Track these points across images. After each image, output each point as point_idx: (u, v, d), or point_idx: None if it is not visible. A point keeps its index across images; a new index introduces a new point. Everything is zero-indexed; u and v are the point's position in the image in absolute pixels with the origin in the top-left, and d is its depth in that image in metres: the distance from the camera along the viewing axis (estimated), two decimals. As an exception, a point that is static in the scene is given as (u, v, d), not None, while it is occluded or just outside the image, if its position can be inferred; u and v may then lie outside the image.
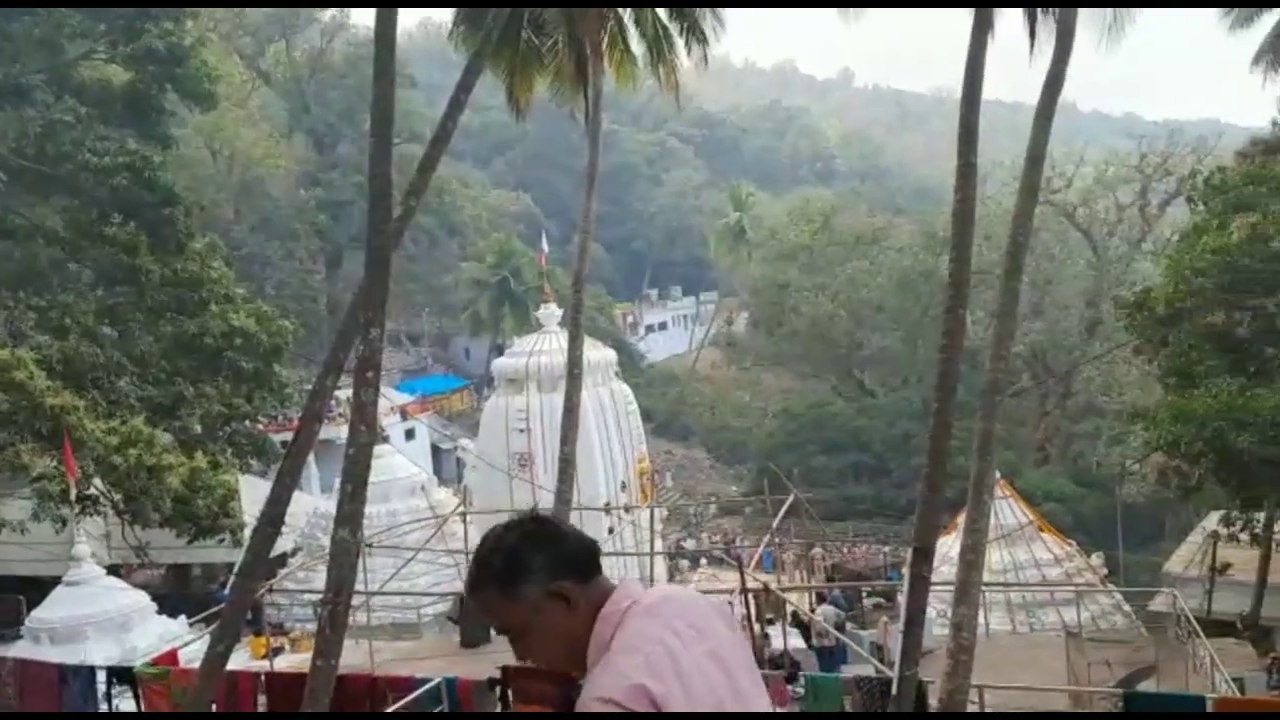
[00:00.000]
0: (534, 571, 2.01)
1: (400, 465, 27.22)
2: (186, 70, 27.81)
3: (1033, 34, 13.81)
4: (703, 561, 32.03)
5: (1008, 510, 22.57)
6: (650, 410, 47.13)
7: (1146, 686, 15.07)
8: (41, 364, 21.54)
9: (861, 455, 47.45)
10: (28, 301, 24.81)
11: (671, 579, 28.33)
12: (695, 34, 18.25)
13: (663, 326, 79.31)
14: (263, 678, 13.37)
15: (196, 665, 12.11)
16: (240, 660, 16.42)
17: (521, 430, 26.11)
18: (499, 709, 11.58)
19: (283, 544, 21.73)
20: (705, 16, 18.21)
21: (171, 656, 14.65)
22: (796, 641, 19.83)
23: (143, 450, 21.32)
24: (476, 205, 67.10)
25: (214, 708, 12.09)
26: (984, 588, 14.14)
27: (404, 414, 43.91)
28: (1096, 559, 24.90)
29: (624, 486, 26.60)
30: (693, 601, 2.10)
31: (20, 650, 15.94)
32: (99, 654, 15.42)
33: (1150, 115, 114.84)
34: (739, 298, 71.18)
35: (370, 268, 10.60)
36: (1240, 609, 22.26)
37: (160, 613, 17.79)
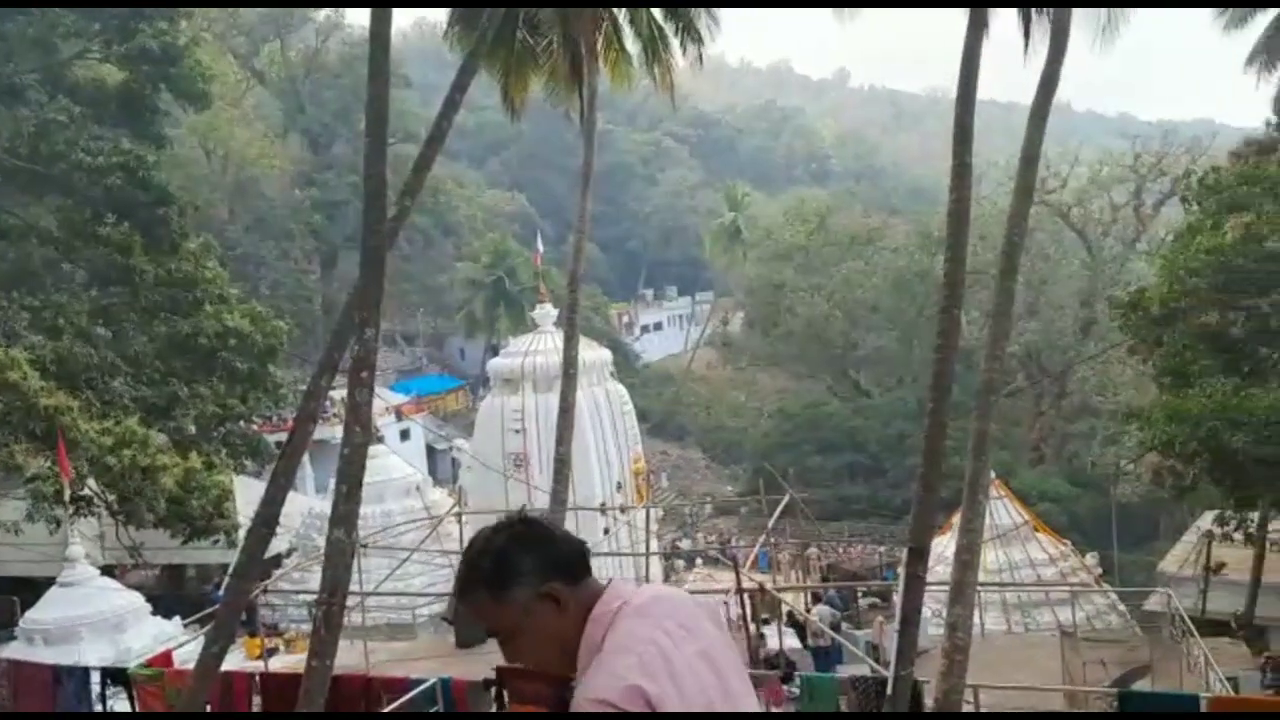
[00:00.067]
0: (524, 573, 2.00)
1: (395, 466, 27.21)
2: (181, 70, 27.73)
3: (1027, 34, 13.84)
4: (698, 562, 32.04)
5: (1003, 510, 22.59)
6: (645, 410, 47.13)
7: (1141, 686, 15.11)
8: (35, 364, 21.48)
9: (857, 455, 47.50)
10: (21, 301, 24.74)
11: (667, 579, 28.33)
12: (690, 34, 18.26)
13: (658, 326, 79.31)
14: (257, 679, 13.36)
15: (191, 666, 12.09)
16: (235, 661, 16.37)
17: (517, 430, 26.11)
18: (494, 709, 11.58)
19: (277, 544, 21.70)
20: (700, 16, 18.22)
21: (166, 657, 14.62)
22: (792, 641, 19.83)
23: (137, 451, 21.27)
24: (471, 205, 67.03)
25: (208, 709, 12.07)
26: (979, 587, 14.18)
27: (399, 414, 43.87)
28: (1091, 559, 24.94)
29: (619, 487, 26.61)
30: (682, 601, 2.10)
31: (14, 651, 15.90)
32: (93, 655, 15.39)
33: (1145, 115, 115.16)
34: (734, 298, 71.19)
35: (365, 268, 10.59)
36: (1235, 608, 22.30)
37: (155, 614, 17.77)
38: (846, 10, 15.05)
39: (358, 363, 10.35)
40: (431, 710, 12.03)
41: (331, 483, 12.32)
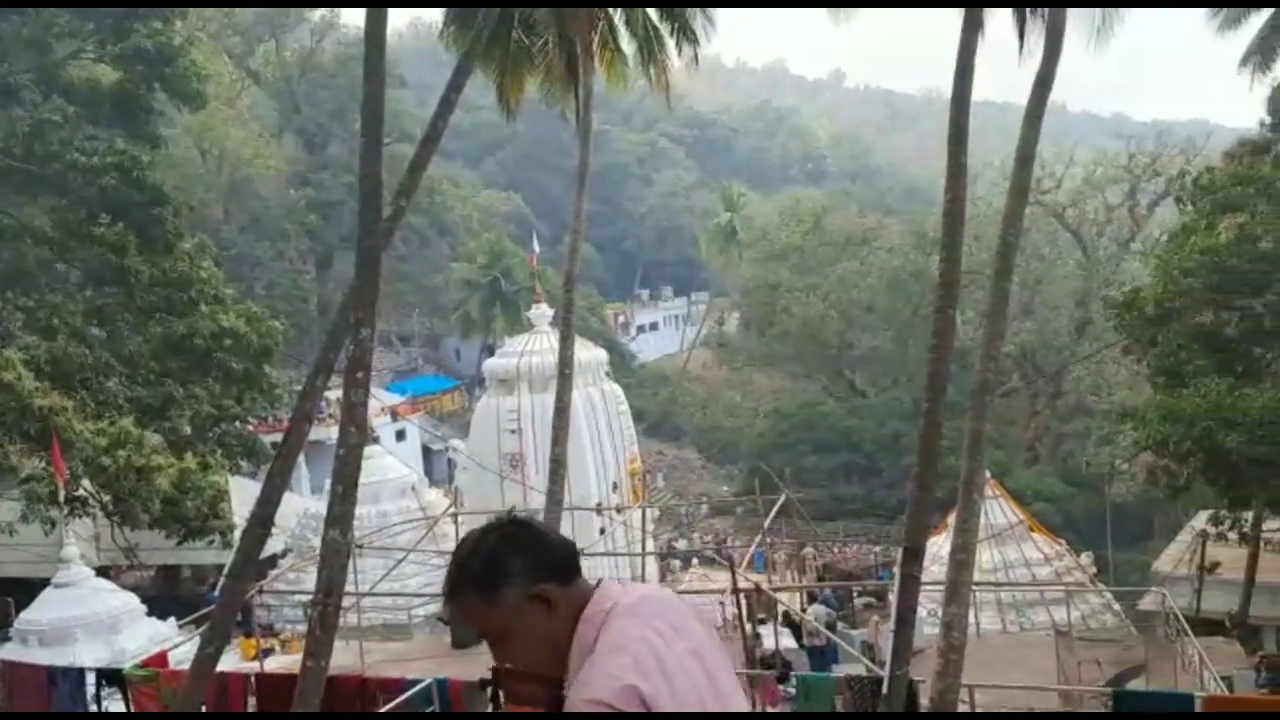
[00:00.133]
0: (514, 575, 2.00)
1: (391, 466, 27.20)
2: (175, 70, 27.70)
3: (1022, 34, 13.86)
4: (694, 562, 32.02)
5: (998, 510, 22.63)
6: (641, 411, 47.11)
7: (1136, 685, 15.13)
8: (30, 365, 21.44)
9: (852, 455, 47.52)
10: (15, 302, 24.69)
11: (663, 579, 28.34)
12: (686, 34, 18.27)
13: (654, 327, 79.33)
14: (253, 679, 13.35)
15: (186, 667, 12.08)
16: (230, 662, 16.35)
17: (513, 431, 26.10)
18: (490, 710, 11.57)
19: (273, 545, 21.69)
20: (696, 16, 18.23)
21: (161, 658, 14.60)
22: (788, 641, 19.84)
23: (132, 451, 21.23)
24: (467, 205, 67.00)
25: (204, 709, 12.06)
26: (974, 587, 14.21)
27: (394, 415, 43.84)
28: (1086, 558, 24.98)
29: (615, 487, 26.61)
30: (670, 601, 2.11)
31: (9, 652, 15.88)
32: (88, 656, 15.37)
33: (1139, 116, 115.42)
34: (730, 298, 71.21)
35: (360, 268, 10.58)
36: (1229, 608, 22.35)
37: (150, 614, 17.76)
38: (842, 10, 15.08)
39: (353, 363, 10.34)
40: (427, 711, 12.03)
41: (327, 483, 12.29)
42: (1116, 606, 21.96)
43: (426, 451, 48.42)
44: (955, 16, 12.01)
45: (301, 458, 25.72)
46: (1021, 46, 13.78)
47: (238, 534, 17.36)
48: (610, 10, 18.20)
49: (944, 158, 11.89)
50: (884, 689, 10.79)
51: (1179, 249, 21.32)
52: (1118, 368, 37.75)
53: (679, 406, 63.16)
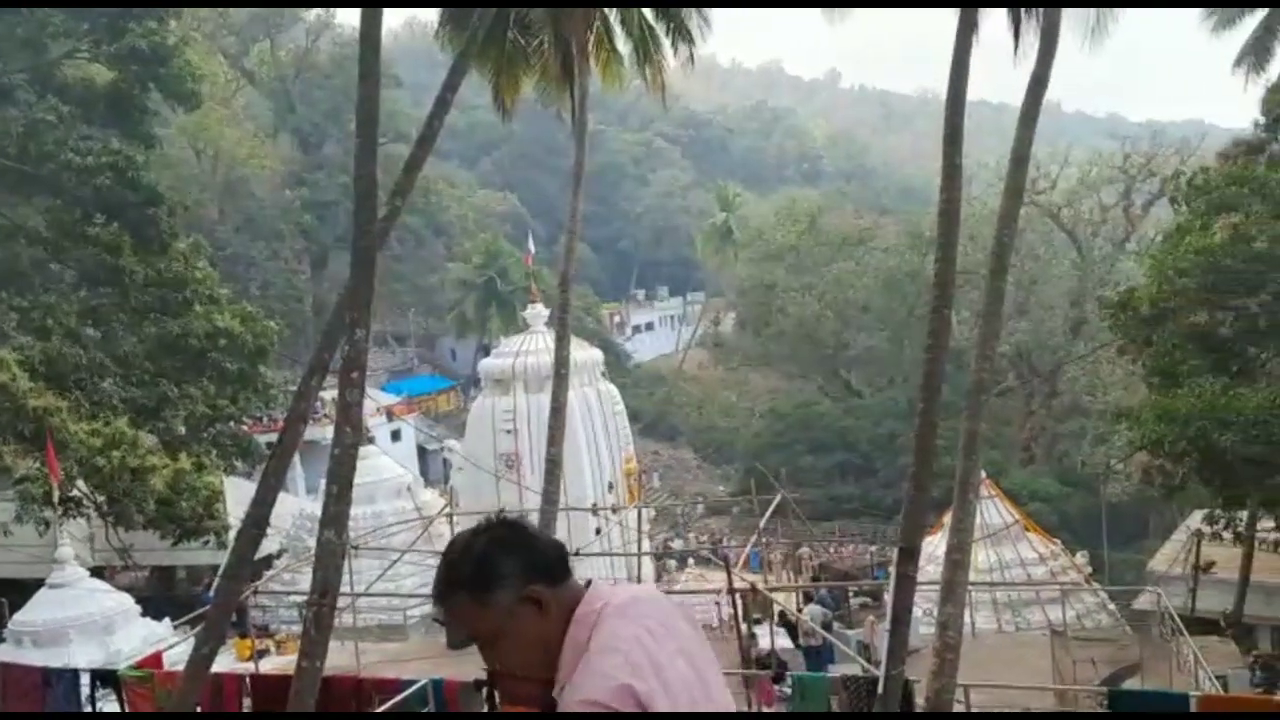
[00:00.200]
0: (505, 576, 1.99)
1: (386, 466, 27.14)
2: (170, 70, 27.64)
3: (1017, 35, 13.87)
4: (690, 561, 32.03)
5: (993, 509, 22.64)
6: (637, 410, 47.09)
7: (1131, 685, 15.15)
8: (24, 365, 21.39)
9: (848, 455, 47.54)
10: (10, 302, 24.64)
11: (659, 579, 28.34)
12: (681, 34, 18.26)
13: (649, 327, 79.34)
14: (248, 680, 13.32)
15: (181, 668, 12.05)
16: (225, 663, 16.35)
17: (508, 431, 26.08)
18: (485, 710, 11.56)
19: (268, 545, 21.62)
20: (691, 16, 18.22)
21: (156, 659, 14.56)
22: (783, 641, 19.85)
23: (126, 452, 21.20)
24: (463, 205, 66.97)
25: (199, 710, 12.03)
26: (970, 587, 14.20)
27: (390, 415, 43.77)
28: (1081, 558, 25.01)
29: (611, 487, 26.60)
30: (659, 601, 2.11)
31: (2, 654, 15.82)
32: (82, 657, 15.33)
33: (1134, 116, 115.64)
34: (726, 298, 71.26)
35: (356, 268, 10.57)
36: (1224, 607, 22.39)
37: (144, 615, 17.69)
38: (837, 10, 15.10)
39: (348, 363, 10.33)
40: (423, 711, 12.01)
41: (322, 483, 12.27)
42: (1111, 606, 21.99)
43: (422, 452, 48.37)
44: (951, 17, 12.04)
45: (296, 458, 25.73)
46: (1016, 47, 13.79)
47: (232, 534, 17.32)
48: (606, 10, 18.20)
49: (939, 158, 11.91)
50: (879, 689, 10.80)
51: (1174, 249, 21.36)
52: (1113, 368, 37.82)
53: (675, 406, 63.18)
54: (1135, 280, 28.17)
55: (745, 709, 14.04)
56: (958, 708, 11.44)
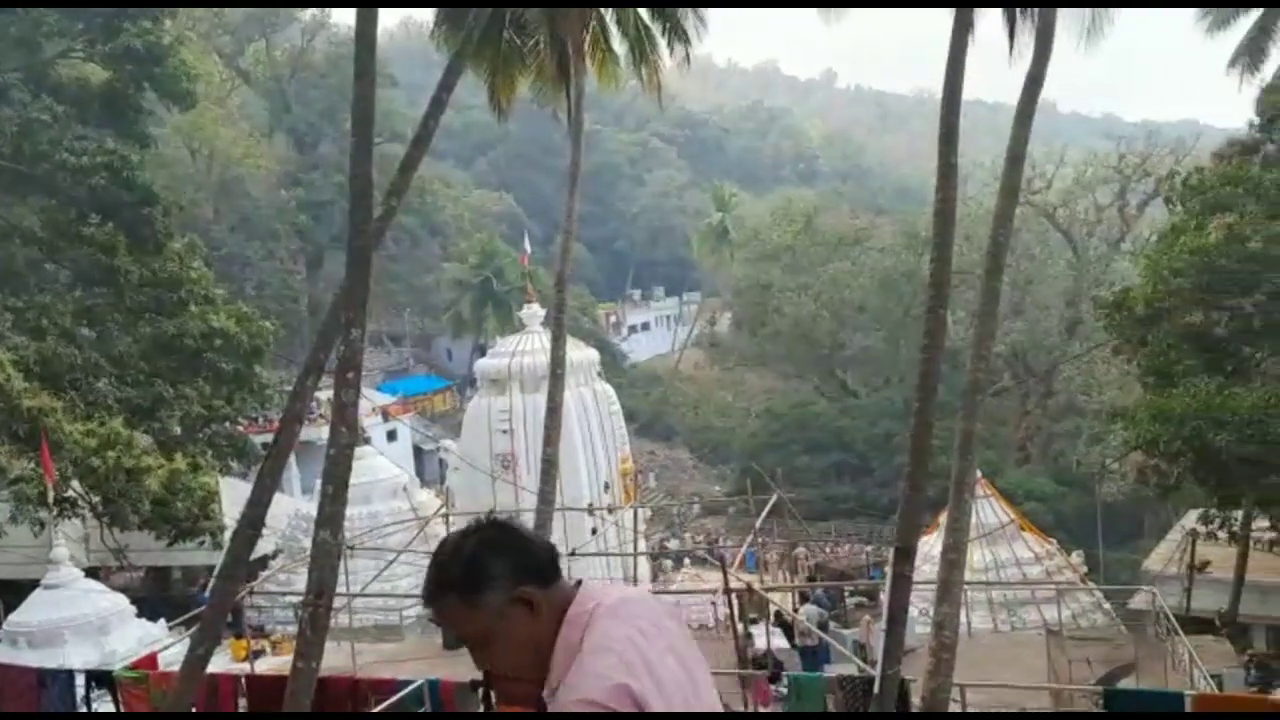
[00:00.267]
0: (496, 577, 1.98)
1: (382, 467, 27.13)
2: (165, 69, 27.57)
3: (1013, 34, 13.90)
4: (686, 562, 32.03)
5: (989, 509, 22.68)
6: (633, 411, 47.13)
7: (1127, 684, 15.18)
8: (19, 365, 21.34)
9: (844, 455, 47.58)
10: (4, 302, 24.56)
11: (655, 580, 28.33)
12: (677, 34, 18.27)
13: (645, 327, 79.32)
14: (243, 681, 13.32)
15: (176, 669, 12.02)
16: (221, 663, 16.32)
17: (504, 431, 26.06)
18: (481, 710, 11.56)
19: (263, 546, 21.64)
20: (687, 16, 18.23)
21: (151, 660, 14.55)
22: (780, 641, 19.87)
23: (121, 452, 21.16)
24: (458, 205, 66.90)
25: (194, 711, 12.01)
26: (965, 586, 14.22)
27: (386, 415, 43.76)
28: (1077, 557, 25.06)
29: (607, 487, 26.58)
30: (647, 601, 2.12)
31: (-3, 654, 15.78)
32: (77, 658, 15.31)
33: (1129, 116, 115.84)
34: (722, 298, 71.28)
35: (351, 268, 10.56)
36: (1219, 606, 22.43)
37: (140, 616, 17.68)
38: (833, 10, 15.11)
39: (344, 363, 10.32)
40: (419, 711, 12.01)
41: (318, 484, 12.26)
42: (1107, 605, 22.03)
43: (418, 452, 48.33)
44: (946, 17, 12.04)
45: (292, 458, 25.66)
46: (1012, 47, 13.82)
47: (228, 535, 17.30)
48: (601, 10, 18.20)
49: (935, 158, 11.92)
50: (876, 688, 10.80)
51: (1169, 249, 21.40)
52: (1108, 367, 37.90)
53: (671, 406, 63.19)
54: (1130, 280, 28.24)
55: (741, 709, 14.05)
56: (954, 707, 11.45)
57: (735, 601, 16.24)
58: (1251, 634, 22.76)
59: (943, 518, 14.52)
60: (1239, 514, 22.34)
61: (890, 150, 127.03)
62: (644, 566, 26.59)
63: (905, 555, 10.99)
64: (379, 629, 22.32)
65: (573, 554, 18.13)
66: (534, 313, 28.26)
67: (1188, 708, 11.25)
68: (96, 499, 21.73)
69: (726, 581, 15.52)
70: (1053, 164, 47.96)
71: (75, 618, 16.39)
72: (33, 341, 23.49)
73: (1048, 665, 16.45)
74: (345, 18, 59.15)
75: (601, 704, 1.83)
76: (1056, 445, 46.06)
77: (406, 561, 21.29)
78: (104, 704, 13.25)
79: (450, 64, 13.31)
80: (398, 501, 25.83)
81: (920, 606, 17.03)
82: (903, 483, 11.73)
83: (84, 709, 13.26)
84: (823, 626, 20.09)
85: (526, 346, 27.04)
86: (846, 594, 25.68)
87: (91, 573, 19.93)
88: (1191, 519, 24.05)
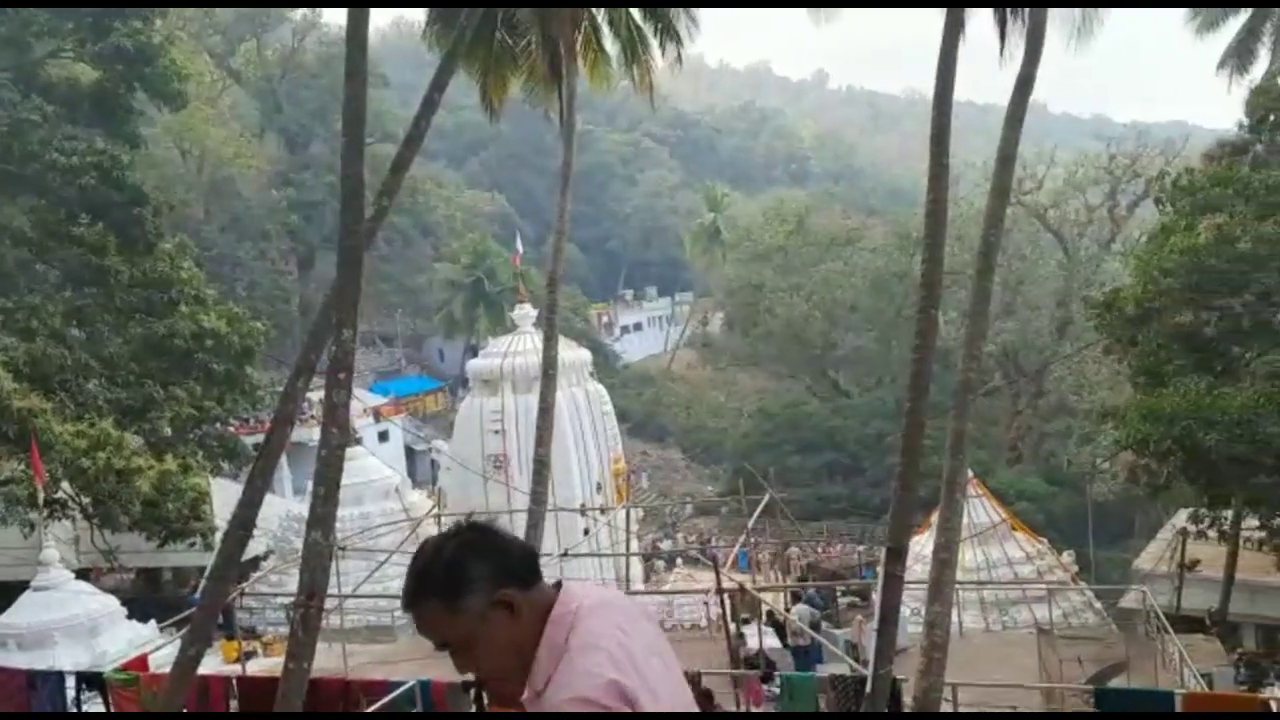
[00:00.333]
0: (477, 581, 1.97)
1: (373, 467, 27.09)
2: (155, 69, 27.51)
3: (1003, 35, 13.93)
4: (678, 562, 32.04)
5: (980, 509, 22.73)
6: (626, 411, 47.11)
7: (1118, 683, 15.24)
8: (8, 366, 21.25)
9: (836, 455, 47.64)
10: (-7, 303, 24.47)
11: (648, 580, 28.35)
12: (669, 34, 18.28)
13: (638, 327, 79.35)
14: (234, 682, 13.28)
15: (167, 670, 11.99)
16: (212, 665, 16.27)
17: (496, 431, 26.04)
18: (473, 710, 11.55)
19: (254, 547, 21.53)
20: (679, 17, 18.25)
21: (142, 662, 14.50)
22: (772, 641, 19.86)
23: (111, 453, 21.06)
24: (450, 205, 66.82)
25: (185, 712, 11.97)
26: (957, 586, 14.26)
27: (377, 416, 43.70)
28: (1068, 557, 25.12)
29: (599, 487, 26.59)
30: (624, 602, 2.14)
31: (-13, 657, 15.71)
32: (68, 660, 15.24)
33: (1119, 117, 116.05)
34: (714, 298, 71.31)
35: (342, 268, 10.53)
36: (1209, 605, 22.53)
37: (130, 617, 17.60)
38: (823, 11, 15.14)
39: (335, 364, 10.29)
40: (411, 712, 11.99)
41: (309, 485, 12.23)
42: (1098, 604, 22.10)
43: (410, 453, 48.27)
44: (937, 17, 12.07)
45: (283, 459, 25.63)
46: (1002, 48, 13.86)
47: (219, 536, 17.24)
48: (593, 10, 18.19)
49: (926, 158, 11.94)
50: (868, 688, 10.82)
51: (1159, 249, 21.48)
52: (1099, 367, 38.01)
53: (663, 407, 63.20)
54: (1121, 280, 28.32)
55: (734, 709, 14.06)
56: (945, 706, 11.48)
57: (728, 601, 16.26)
58: (1241, 633, 22.87)
59: (934, 517, 14.53)
60: (1229, 513, 22.43)
61: (882, 151, 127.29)
62: (636, 567, 26.60)
63: (897, 555, 11.01)
64: (371, 630, 22.27)
65: (565, 555, 18.12)
66: (526, 313, 28.25)
67: (1178, 706, 11.30)
68: (87, 500, 21.65)
69: (719, 581, 15.53)
70: (1043, 165, 48.09)
71: (65, 619, 16.32)
72: (22, 342, 23.39)
73: (1039, 664, 16.49)
74: (336, 17, 59.10)
75: (595, 701, 1.83)
76: (1047, 445, 46.20)
77: (398, 563, 21.22)
78: (94, 706, 13.20)
79: (442, 64, 13.29)
80: (389, 502, 25.80)
81: (912, 606, 17.06)
82: (894, 482, 11.76)
83: (74, 711, 13.21)
84: (815, 626, 20.10)
85: (518, 347, 27.03)
86: (839, 594, 25.68)
87: (82, 574, 19.84)
88: (1182, 518, 24.14)
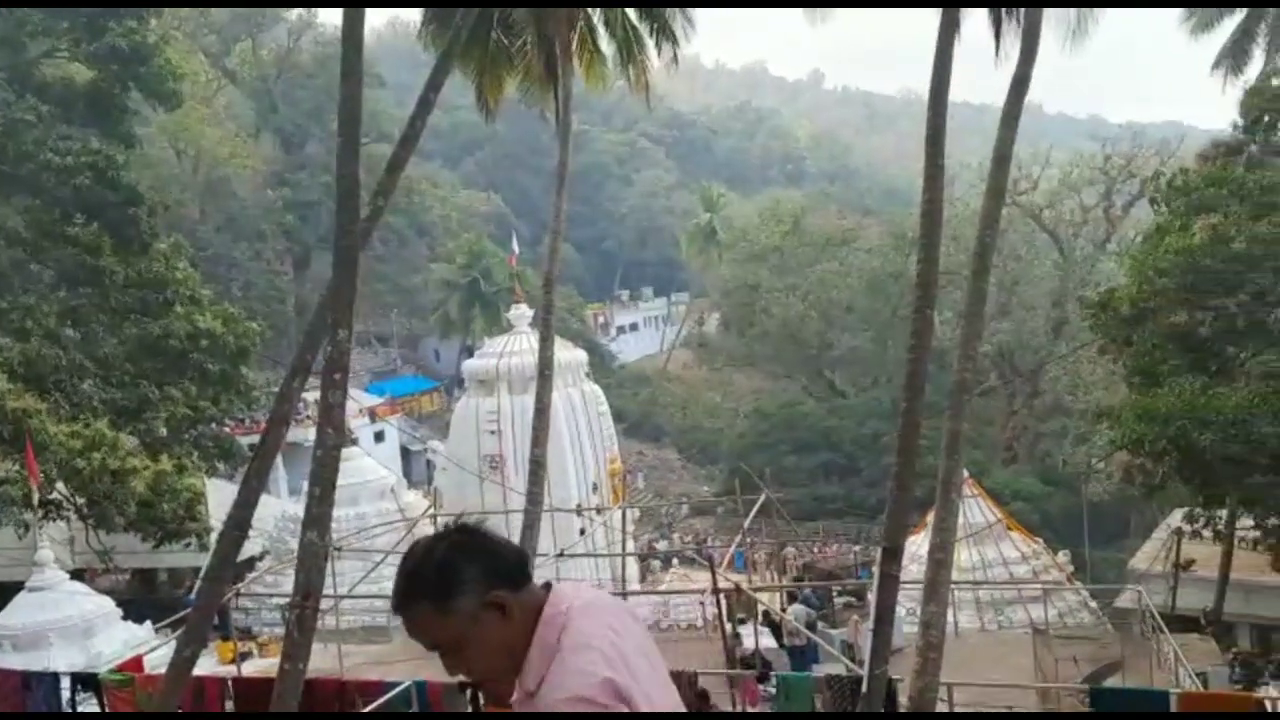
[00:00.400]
0: (468, 583, 1.97)
1: (369, 468, 27.06)
2: (150, 69, 27.44)
3: (999, 36, 13.95)
4: (675, 562, 32.05)
5: (976, 509, 22.75)
6: (622, 411, 47.07)
7: (1113, 682, 15.24)
8: (3, 366, 21.21)
9: (832, 455, 47.67)
10: (-12, 303, 24.41)
11: (644, 580, 28.36)
12: (665, 34, 18.27)
13: (634, 327, 79.34)
14: (230, 683, 13.26)
15: (162, 671, 11.97)
16: (207, 665, 16.25)
17: (492, 432, 26.02)
18: (469, 711, 11.54)
19: (250, 547, 21.49)
20: (675, 17, 18.23)
21: (137, 663, 14.47)
22: (768, 641, 19.87)
23: (106, 454, 21.02)
24: (446, 205, 66.77)
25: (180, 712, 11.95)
26: (953, 586, 14.26)
27: (373, 416, 43.67)
28: (1063, 557, 25.17)
29: (595, 488, 26.58)
30: (611, 603, 2.15)
31: (-19, 658, 15.67)
32: (63, 661, 15.20)
33: (1114, 118, 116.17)
34: (710, 298, 71.34)
35: (338, 268, 10.52)
36: (1203, 605, 22.57)
37: (125, 618, 17.55)
38: (819, 11, 15.15)
39: (331, 364, 10.28)
40: (407, 713, 11.98)
41: (304, 485, 12.22)
42: (1093, 604, 22.14)
43: (405, 453, 48.22)
44: (933, 18, 12.08)
45: (279, 460, 25.59)
46: (998, 48, 13.87)
47: (214, 537, 17.21)
48: (589, 10, 18.19)
49: (922, 158, 11.95)
50: (863, 688, 10.83)
51: (1154, 249, 21.52)
52: (1094, 367, 38.07)
53: (659, 407, 63.21)
54: (1116, 281, 28.38)
55: (730, 709, 14.07)
56: (941, 706, 11.48)
57: (724, 601, 16.26)
58: (1236, 632, 22.91)
59: (930, 517, 14.54)
60: (1223, 513, 22.48)
61: (877, 151, 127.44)
62: (632, 567, 26.60)
63: (892, 555, 11.02)
64: (366, 631, 22.25)
65: (561, 555, 18.12)
66: (522, 313, 28.23)
67: (1173, 706, 11.32)
68: (81, 501, 21.61)
69: (715, 581, 15.54)
70: (1039, 165, 48.18)
71: (60, 620, 16.27)
72: (17, 343, 23.33)
73: (1034, 664, 16.52)
74: (332, 17, 59.02)
75: (591, 699, 1.84)
76: (1043, 445, 46.27)
77: (394, 563, 21.18)
78: (89, 707, 13.18)
79: (438, 64, 13.28)
80: (385, 503, 25.78)
81: (908, 606, 17.10)
82: (890, 482, 11.77)
83: (69, 712, 13.19)
84: (811, 626, 20.11)
85: (514, 347, 27.02)
86: (834, 594, 25.71)
87: (77, 575, 19.80)
88: (1176, 518, 24.18)
